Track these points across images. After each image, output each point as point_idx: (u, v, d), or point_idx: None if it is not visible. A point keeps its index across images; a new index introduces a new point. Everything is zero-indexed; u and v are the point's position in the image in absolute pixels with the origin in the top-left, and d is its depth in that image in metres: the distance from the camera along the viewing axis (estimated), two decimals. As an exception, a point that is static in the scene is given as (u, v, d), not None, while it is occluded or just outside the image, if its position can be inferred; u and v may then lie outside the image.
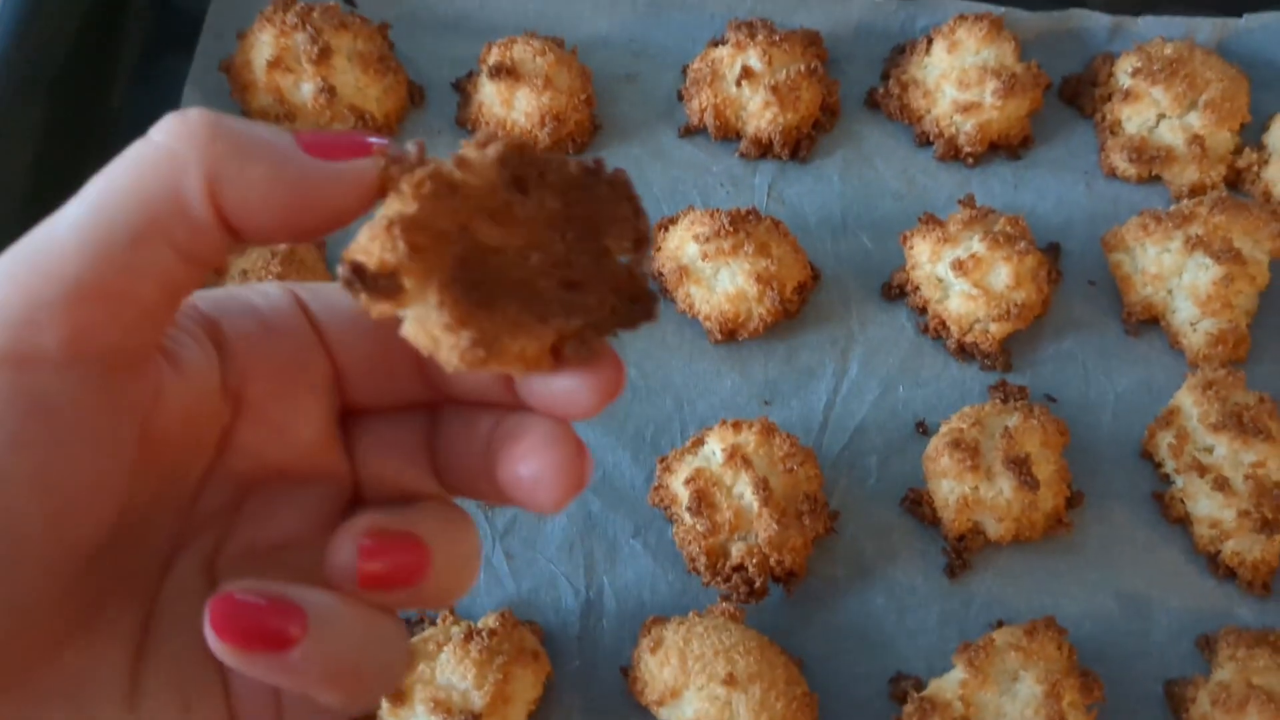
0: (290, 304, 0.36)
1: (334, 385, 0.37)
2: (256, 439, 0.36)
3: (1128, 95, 0.91)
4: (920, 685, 0.71)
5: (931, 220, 0.85)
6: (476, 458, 0.36)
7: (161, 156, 0.30)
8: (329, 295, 0.37)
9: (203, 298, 0.35)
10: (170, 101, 0.90)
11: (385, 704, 0.67)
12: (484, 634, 0.68)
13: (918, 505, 0.78)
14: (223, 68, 0.91)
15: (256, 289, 0.37)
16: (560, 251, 0.34)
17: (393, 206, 0.31)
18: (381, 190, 0.32)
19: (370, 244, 0.30)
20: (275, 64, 0.87)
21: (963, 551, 0.77)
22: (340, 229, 0.33)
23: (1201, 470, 0.76)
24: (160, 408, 0.32)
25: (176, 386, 0.33)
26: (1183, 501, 0.78)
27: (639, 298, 0.35)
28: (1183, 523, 0.78)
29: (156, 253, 0.30)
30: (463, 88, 0.94)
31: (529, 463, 0.34)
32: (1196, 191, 0.90)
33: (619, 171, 0.35)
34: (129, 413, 0.32)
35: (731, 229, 0.82)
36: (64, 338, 0.29)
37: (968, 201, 0.85)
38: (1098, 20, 0.97)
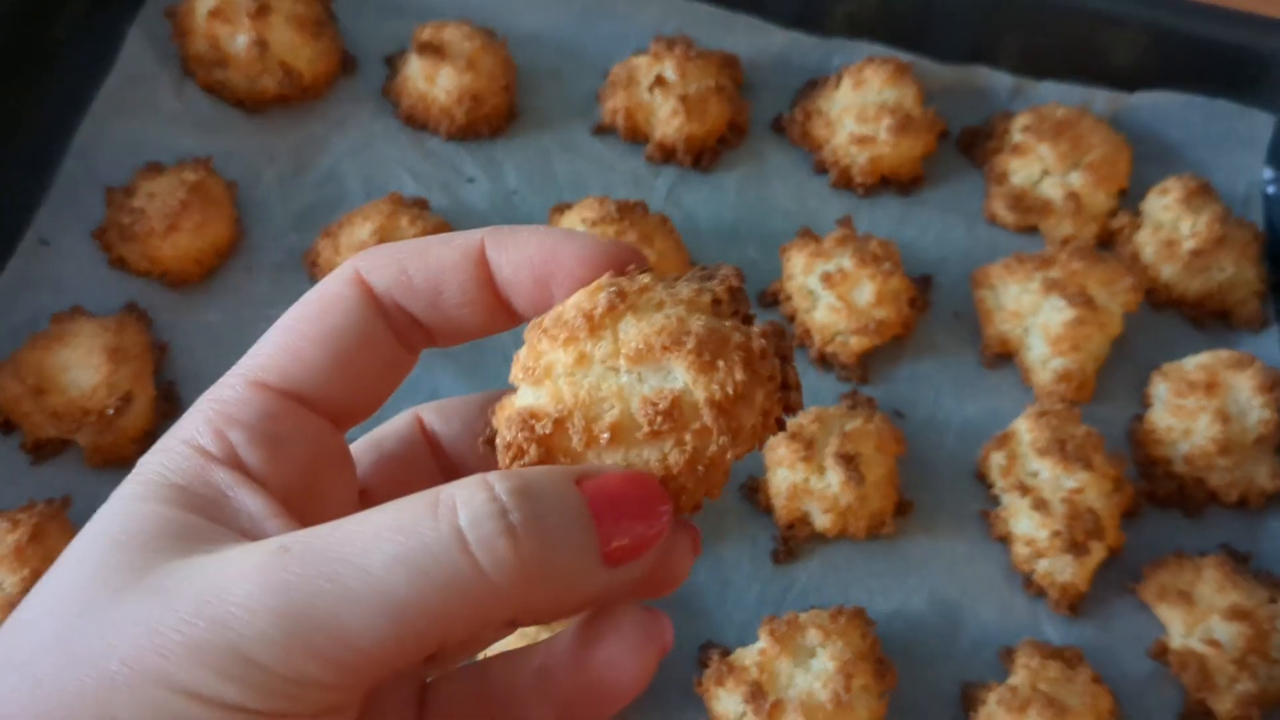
0: None
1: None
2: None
3: (1016, 149, 0.97)
4: (727, 654, 0.74)
5: (809, 235, 0.90)
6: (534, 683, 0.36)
7: (486, 594, 0.30)
8: None
9: None
10: (114, 36, 0.95)
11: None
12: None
13: (754, 493, 0.82)
14: (167, 12, 0.96)
15: None
16: None
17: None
18: None
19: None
20: (215, 13, 0.92)
21: (790, 539, 0.80)
22: None
23: (1025, 490, 0.80)
24: None
25: None
26: (1005, 520, 0.82)
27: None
28: (1004, 541, 0.82)
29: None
30: (393, 62, 0.99)
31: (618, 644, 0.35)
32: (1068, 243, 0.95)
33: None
34: None
35: (618, 216, 0.86)
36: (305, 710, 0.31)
37: (844, 222, 0.90)
38: (1001, 80, 1.03)
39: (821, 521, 0.79)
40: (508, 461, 0.35)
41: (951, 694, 0.76)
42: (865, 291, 0.86)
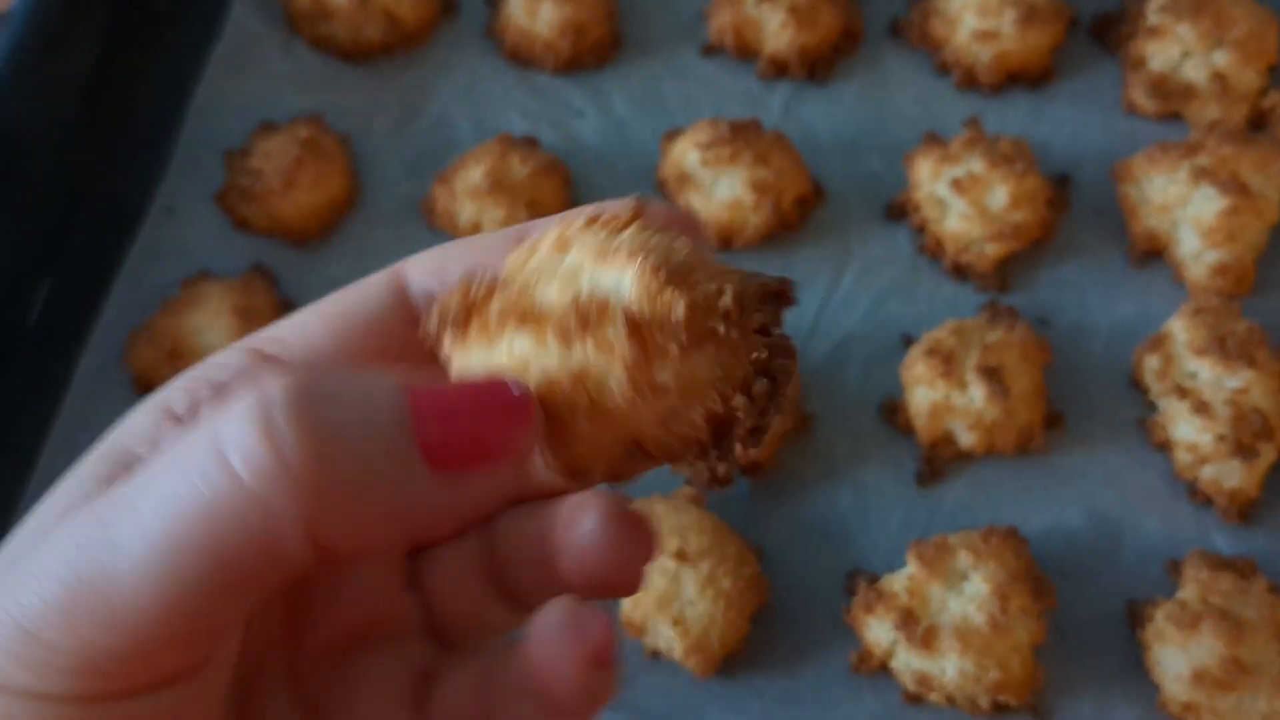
0: None
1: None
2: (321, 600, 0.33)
3: (1153, 31, 0.90)
4: (874, 580, 0.72)
5: (933, 140, 0.85)
6: (537, 554, 0.32)
7: (251, 510, 0.25)
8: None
9: None
10: (223, 1, 0.95)
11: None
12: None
13: (893, 414, 0.79)
14: (269, -31, 0.96)
15: None
16: None
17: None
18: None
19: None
20: (315, -33, 0.92)
21: (934, 460, 0.77)
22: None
23: (1183, 394, 0.75)
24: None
25: None
26: (1164, 426, 0.77)
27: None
28: (1164, 449, 0.77)
29: (239, 601, 0.27)
30: (493, 0, 0.97)
31: (590, 525, 0.31)
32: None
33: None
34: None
35: (731, 137, 0.83)
36: (124, 688, 0.26)
37: (972, 123, 0.86)
38: (1134, -42, 0.96)
39: (966, 439, 0.76)
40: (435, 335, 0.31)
41: (1116, 611, 0.73)
42: (999, 195, 0.82)
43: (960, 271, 0.84)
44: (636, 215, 0.31)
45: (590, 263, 0.29)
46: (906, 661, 0.68)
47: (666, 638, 0.69)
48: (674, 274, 0.29)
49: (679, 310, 0.28)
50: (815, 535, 0.76)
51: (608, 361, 0.28)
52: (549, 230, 0.31)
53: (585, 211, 0.31)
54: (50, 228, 0.85)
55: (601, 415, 0.29)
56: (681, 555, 0.69)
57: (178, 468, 0.26)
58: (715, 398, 0.29)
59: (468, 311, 0.30)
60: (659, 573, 0.69)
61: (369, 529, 0.27)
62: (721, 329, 0.29)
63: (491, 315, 0.30)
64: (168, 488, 0.26)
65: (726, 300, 0.29)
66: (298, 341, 0.33)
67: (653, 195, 0.89)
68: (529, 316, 0.29)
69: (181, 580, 0.25)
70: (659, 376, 0.29)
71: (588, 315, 0.28)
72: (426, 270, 0.34)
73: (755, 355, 0.30)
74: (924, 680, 0.68)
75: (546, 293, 0.29)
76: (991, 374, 0.74)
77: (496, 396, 0.28)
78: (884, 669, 0.70)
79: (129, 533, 0.25)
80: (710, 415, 0.30)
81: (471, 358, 0.30)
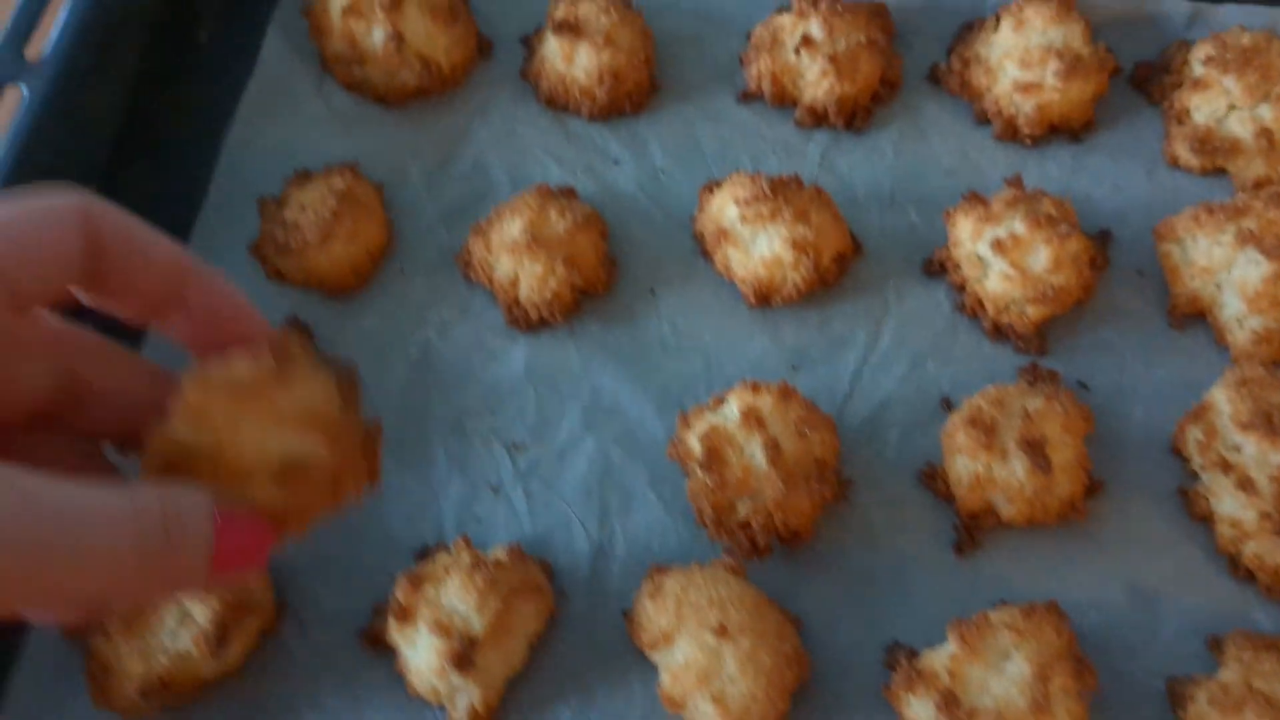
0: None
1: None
2: None
3: (1198, 84, 0.89)
4: (914, 655, 0.72)
5: (975, 198, 0.85)
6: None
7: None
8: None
9: None
10: (254, 40, 0.95)
11: (393, 621, 0.71)
12: (490, 564, 0.71)
13: (933, 480, 0.78)
14: (304, 12, 0.95)
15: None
16: None
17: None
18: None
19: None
20: (350, 10, 0.91)
21: (973, 529, 0.77)
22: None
23: (1227, 468, 0.75)
24: None
25: None
26: (1206, 499, 0.76)
27: None
28: (1206, 521, 0.77)
29: None
30: (530, 43, 0.96)
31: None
32: (1261, 186, 0.87)
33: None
34: None
35: (771, 194, 0.83)
36: None
37: (1014, 181, 0.85)
38: (1177, 6, 0.95)
39: (1007, 511, 0.76)
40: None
41: (1156, 690, 0.72)
42: (1040, 257, 0.81)
43: (1000, 332, 0.84)
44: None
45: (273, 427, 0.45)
46: (947, 742, 0.68)
47: (706, 714, 0.69)
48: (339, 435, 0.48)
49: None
50: (854, 606, 0.75)
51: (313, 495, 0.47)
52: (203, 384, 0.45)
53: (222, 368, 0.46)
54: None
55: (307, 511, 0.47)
56: (722, 630, 0.69)
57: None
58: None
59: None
60: (699, 647, 0.69)
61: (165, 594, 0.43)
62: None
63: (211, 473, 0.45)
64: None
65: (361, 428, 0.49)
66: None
67: (690, 247, 0.88)
68: (247, 478, 0.45)
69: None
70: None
71: (296, 476, 0.45)
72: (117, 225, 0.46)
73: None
74: (964, 761, 0.67)
75: (252, 457, 0.45)
76: (1034, 447, 0.74)
77: (263, 533, 0.44)
78: (922, 746, 0.70)
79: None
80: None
81: None
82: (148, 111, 0.93)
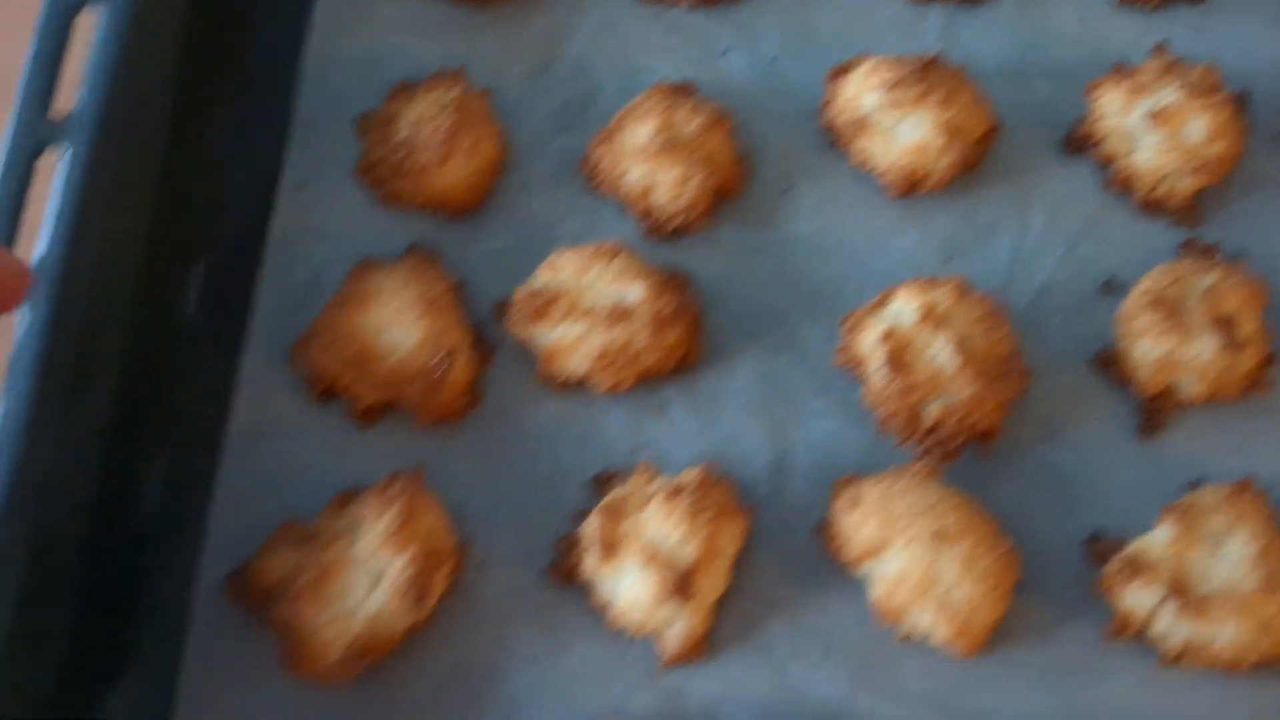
0: None
1: None
2: None
3: (1323, -66, 0.86)
4: (1119, 545, 0.70)
5: (1122, 69, 0.81)
6: None
7: None
8: None
9: None
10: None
11: (594, 557, 0.67)
12: (687, 489, 0.68)
13: (1109, 365, 0.76)
14: None
15: None
16: None
17: None
18: None
19: None
20: None
21: (1156, 411, 0.75)
22: None
23: (1406, 329, 0.74)
24: None
25: None
26: (1382, 361, 0.76)
27: None
28: (1381, 382, 0.76)
29: None
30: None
31: None
32: (1394, 38, 0.85)
33: None
34: None
35: (919, 77, 0.78)
36: None
37: (1161, 50, 0.81)
38: None
39: (1191, 390, 0.74)
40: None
41: (1353, 555, 0.72)
42: (1197, 127, 0.78)
43: (1152, 207, 0.81)
44: None
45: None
46: (1172, 628, 0.67)
47: (928, 623, 0.67)
48: None
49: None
50: (1045, 500, 0.74)
51: None
52: None
53: None
54: (195, 209, 0.78)
55: None
56: (939, 536, 0.67)
57: None
58: None
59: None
60: (916, 556, 0.67)
61: None
62: None
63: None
64: None
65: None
66: None
67: (818, 139, 0.84)
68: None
69: None
70: None
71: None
72: None
73: None
74: (1192, 647, 0.67)
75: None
76: (1226, 325, 0.72)
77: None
78: (1138, 636, 0.69)
79: None
80: None
81: None
82: (189, 123, 0.83)
